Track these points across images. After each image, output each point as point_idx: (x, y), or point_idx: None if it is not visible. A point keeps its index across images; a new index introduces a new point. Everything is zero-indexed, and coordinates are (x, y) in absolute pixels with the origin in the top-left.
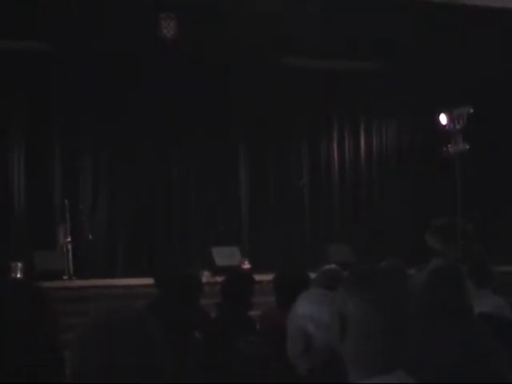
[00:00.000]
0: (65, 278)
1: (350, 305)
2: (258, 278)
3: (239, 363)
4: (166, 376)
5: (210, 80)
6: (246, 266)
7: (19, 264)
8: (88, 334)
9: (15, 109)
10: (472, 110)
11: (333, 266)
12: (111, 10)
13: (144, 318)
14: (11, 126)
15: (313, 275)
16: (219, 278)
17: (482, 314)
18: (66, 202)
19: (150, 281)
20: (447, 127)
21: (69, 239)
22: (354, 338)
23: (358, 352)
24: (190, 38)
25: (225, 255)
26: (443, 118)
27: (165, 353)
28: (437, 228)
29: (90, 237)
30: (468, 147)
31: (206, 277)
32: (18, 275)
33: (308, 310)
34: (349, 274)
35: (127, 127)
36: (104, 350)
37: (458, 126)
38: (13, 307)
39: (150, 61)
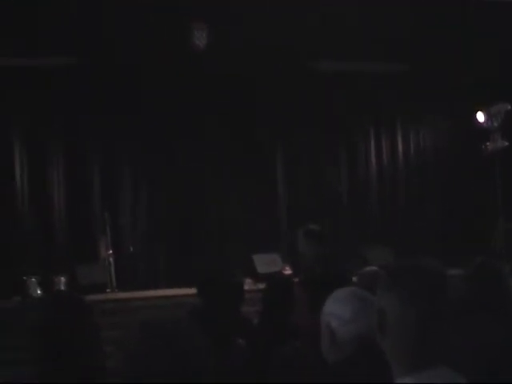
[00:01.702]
0: (108, 290)
1: (384, 301)
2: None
3: (283, 369)
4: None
5: (243, 90)
6: (288, 272)
7: (62, 278)
8: (133, 341)
9: (53, 124)
10: (510, 107)
11: (373, 268)
12: (141, 19)
13: (187, 325)
14: (50, 140)
15: (353, 278)
16: (261, 285)
17: None
18: (106, 214)
19: (192, 290)
20: (485, 125)
21: (110, 252)
22: (391, 334)
23: (396, 348)
24: (221, 47)
25: (266, 262)
26: (481, 116)
27: (208, 359)
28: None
29: (131, 249)
30: (507, 144)
31: (248, 284)
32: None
33: (331, 307)
34: (384, 272)
35: (164, 141)
36: (148, 355)
37: (495, 124)
38: (57, 318)
39: (181, 70)
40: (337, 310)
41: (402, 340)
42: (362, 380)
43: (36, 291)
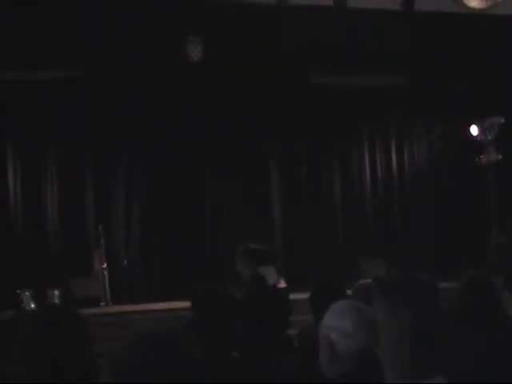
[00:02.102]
0: (102, 304)
1: (378, 313)
2: (293, 297)
3: (277, 381)
4: None
5: (239, 99)
6: (282, 285)
7: (56, 292)
8: (126, 351)
9: (46, 136)
10: (503, 120)
11: (368, 280)
12: (135, 32)
13: (182, 335)
14: (43, 153)
15: (348, 291)
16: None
17: None
18: (100, 228)
19: (186, 304)
20: (479, 138)
21: (104, 265)
22: (383, 345)
23: (389, 358)
24: (217, 60)
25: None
26: (474, 129)
27: (203, 369)
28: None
29: (126, 262)
30: (501, 157)
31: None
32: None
33: (332, 320)
34: (376, 284)
35: (158, 151)
36: (141, 365)
37: (489, 137)
38: (51, 331)
39: (177, 82)
40: (336, 322)
41: (393, 351)
42: None
43: (29, 304)
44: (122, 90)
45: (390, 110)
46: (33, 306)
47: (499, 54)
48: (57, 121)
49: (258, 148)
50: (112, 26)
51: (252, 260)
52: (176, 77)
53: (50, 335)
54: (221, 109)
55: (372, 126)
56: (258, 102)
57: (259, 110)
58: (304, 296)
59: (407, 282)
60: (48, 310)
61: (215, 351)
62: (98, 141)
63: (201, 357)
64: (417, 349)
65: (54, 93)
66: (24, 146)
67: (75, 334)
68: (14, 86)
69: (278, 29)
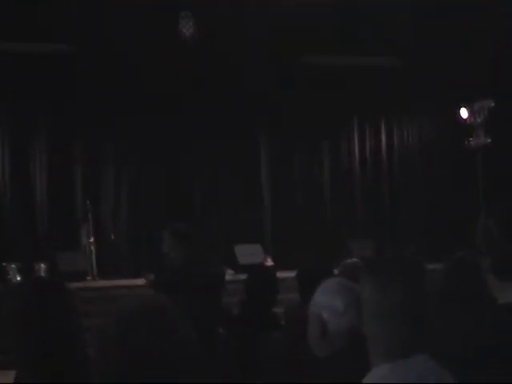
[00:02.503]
0: (88, 278)
1: (364, 292)
2: (281, 275)
3: (264, 359)
4: (192, 364)
5: (230, 79)
6: (269, 263)
7: (43, 265)
8: (114, 325)
9: (36, 111)
10: (493, 104)
11: (354, 259)
12: (127, 10)
13: (169, 309)
14: (32, 128)
15: (335, 271)
16: (242, 276)
17: (505, 304)
18: (88, 202)
19: None
20: (468, 121)
21: (91, 240)
22: (370, 323)
23: (374, 337)
24: (209, 37)
25: (247, 253)
26: (464, 113)
27: (193, 343)
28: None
29: (113, 237)
30: (490, 140)
31: (229, 275)
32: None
33: (323, 298)
34: (364, 263)
35: (148, 127)
36: (130, 340)
37: (479, 120)
38: (37, 304)
39: (169, 60)
40: (328, 301)
41: (379, 330)
42: (354, 373)
43: (16, 277)
44: (112, 66)
45: (380, 91)
46: (19, 278)
47: (489, 38)
48: (46, 96)
49: (247, 129)
50: (103, 4)
51: (180, 240)
52: (168, 54)
53: (36, 308)
54: (212, 88)
55: (362, 108)
56: (249, 80)
57: (250, 89)
58: (291, 274)
59: (395, 262)
60: (34, 282)
61: (201, 327)
62: (88, 116)
63: (191, 331)
64: (404, 328)
65: (43, 67)
66: (12, 121)
67: (61, 306)
68: (2, 57)
69: (271, 8)
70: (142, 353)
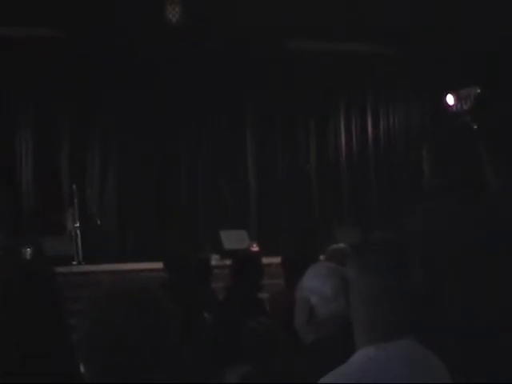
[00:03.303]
0: (74, 263)
1: (350, 275)
2: (266, 261)
3: (249, 343)
4: (176, 348)
5: (216, 64)
6: (255, 249)
7: (28, 249)
8: (100, 303)
9: (23, 93)
10: (479, 90)
11: (341, 244)
12: None
13: (156, 292)
14: (18, 111)
15: (321, 257)
16: (228, 262)
17: None
18: (74, 186)
19: (159, 265)
20: (455, 108)
21: (77, 224)
22: (357, 306)
23: (359, 320)
24: (195, 23)
25: (233, 239)
26: (450, 99)
27: (176, 325)
28: None
29: (99, 222)
30: (476, 127)
31: (214, 260)
32: None
33: (312, 282)
34: (353, 246)
35: (135, 111)
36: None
37: (465, 107)
38: (20, 288)
39: (156, 46)
40: (317, 286)
41: (363, 312)
42: (341, 359)
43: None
44: (99, 50)
45: (367, 78)
46: (4, 263)
47: (476, 24)
48: (32, 79)
49: (233, 114)
50: None
51: None
52: (156, 39)
53: (20, 292)
54: (199, 73)
55: (349, 94)
56: (237, 65)
57: (237, 74)
58: (277, 260)
59: (383, 246)
60: (18, 266)
61: (187, 312)
62: (75, 99)
63: (176, 314)
64: (389, 312)
65: (31, 51)
66: None
67: (46, 291)
68: None
69: None
70: (126, 334)
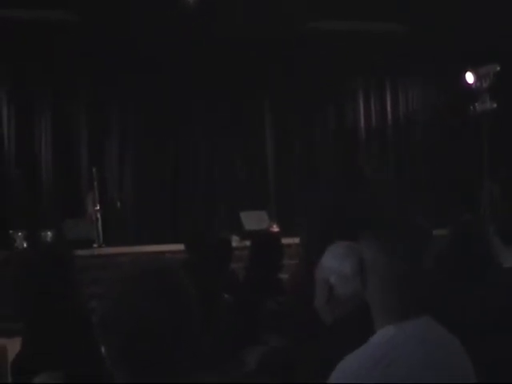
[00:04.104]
0: (94, 246)
1: (370, 253)
2: (286, 241)
3: (269, 324)
4: (197, 330)
5: (235, 46)
6: (275, 229)
7: (49, 233)
8: (123, 284)
9: (40, 78)
10: (499, 68)
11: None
12: None
13: (176, 272)
14: (37, 95)
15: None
16: (248, 242)
17: (510, 268)
18: (94, 170)
19: (179, 247)
20: (474, 86)
21: (97, 207)
22: (375, 285)
23: (380, 300)
24: (211, 4)
25: (253, 219)
26: (470, 77)
27: (197, 307)
28: None
29: (119, 204)
30: (495, 105)
31: (235, 241)
32: None
33: (331, 262)
34: (369, 223)
35: (153, 95)
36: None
37: (484, 85)
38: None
39: (171, 27)
40: (336, 265)
41: (383, 293)
42: (361, 338)
43: (22, 245)
44: (114, 34)
45: (385, 57)
46: (25, 246)
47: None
48: (52, 63)
49: (252, 95)
50: None
51: None
52: (170, 22)
53: (39, 273)
54: (216, 55)
55: (367, 73)
56: (253, 47)
57: (254, 56)
58: (297, 241)
59: (401, 224)
60: (38, 249)
61: (208, 293)
62: (92, 84)
63: (195, 293)
64: (408, 291)
65: (45, 33)
66: (18, 89)
67: (64, 272)
68: (7, 25)
69: None
70: (150, 316)
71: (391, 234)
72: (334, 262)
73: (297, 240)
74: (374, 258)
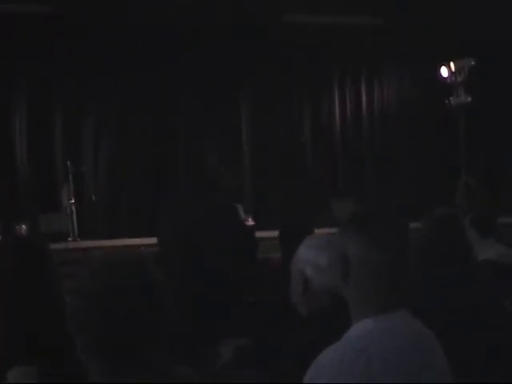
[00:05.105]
0: (69, 239)
1: (351, 246)
2: (261, 234)
3: (245, 316)
4: (170, 322)
5: (210, 39)
6: (250, 222)
7: (24, 226)
8: (93, 278)
9: (16, 68)
10: (473, 62)
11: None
12: None
13: (146, 262)
14: (12, 86)
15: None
16: None
17: (485, 260)
18: (69, 163)
19: (153, 240)
20: (449, 80)
21: (72, 201)
22: (356, 279)
23: (359, 293)
24: None
25: None
26: (444, 71)
27: (167, 299)
28: None
29: (94, 198)
30: (470, 99)
31: None
32: None
33: (307, 254)
34: (349, 216)
35: (129, 87)
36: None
37: (459, 79)
38: (16, 263)
39: (151, 17)
40: (312, 257)
41: (365, 285)
42: (337, 331)
43: None
44: (95, 26)
45: (360, 50)
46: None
47: None
48: (26, 55)
49: (227, 89)
50: None
51: None
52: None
53: (14, 266)
54: (192, 48)
55: (343, 66)
56: (230, 40)
57: (230, 50)
58: (273, 234)
59: (382, 219)
60: (12, 241)
61: (178, 286)
62: (69, 74)
63: (164, 285)
64: (389, 284)
65: (25, 27)
66: None
67: (39, 265)
68: None
69: None
70: (118, 307)
71: (374, 227)
72: (310, 254)
73: (273, 233)
74: (356, 251)
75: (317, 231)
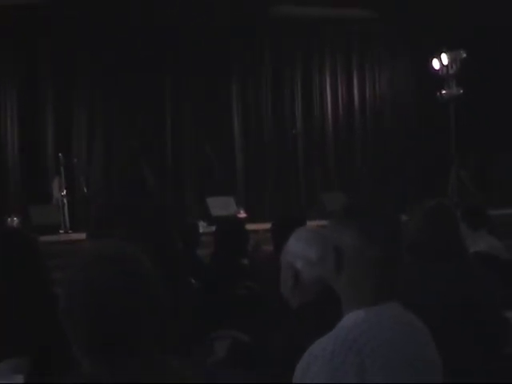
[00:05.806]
0: (61, 231)
1: (344, 238)
2: (253, 227)
3: (239, 308)
4: (161, 313)
5: (200, 31)
6: (242, 215)
7: (15, 219)
8: (84, 269)
9: (6, 60)
10: (465, 55)
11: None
12: None
13: (140, 255)
14: (3, 79)
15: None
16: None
17: (476, 253)
18: (60, 155)
19: None
20: (440, 72)
21: (64, 193)
22: (349, 270)
23: (352, 285)
24: None
25: (220, 205)
26: (436, 64)
27: (160, 291)
28: None
29: (86, 190)
30: (462, 91)
31: (202, 227)
32: None
33: (296, 247)
34: (342, 208)
35: (122, 79)
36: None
37: (451, 71)
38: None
39: (142, 9)
40: (301, 250)
41: (358, 277)
42: (327, 323)
43: None
44: (82, 21)
45: (352, 43)
46: None
47: None
48: (18, 43)
49: (219, 80)
50: None
51: None
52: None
53: (3, 258)
54: (181, 38)
55: (335, 59)
56: (223, 27)
57: (219, 42)
58: (264, 226)
59: (374, 211)
60: (1, 233)
61: (173, 277)
62: (60, 65)
63: (158, 276)
64: (380, 276)
65: (14, 21)
66: None
67: (29, 257)
68: None
69: None
70: (109, 298)
71: (365, 219)
72: (300, 247)
73: (264, 226)
74: (348, 243)
75: (309, 223)
